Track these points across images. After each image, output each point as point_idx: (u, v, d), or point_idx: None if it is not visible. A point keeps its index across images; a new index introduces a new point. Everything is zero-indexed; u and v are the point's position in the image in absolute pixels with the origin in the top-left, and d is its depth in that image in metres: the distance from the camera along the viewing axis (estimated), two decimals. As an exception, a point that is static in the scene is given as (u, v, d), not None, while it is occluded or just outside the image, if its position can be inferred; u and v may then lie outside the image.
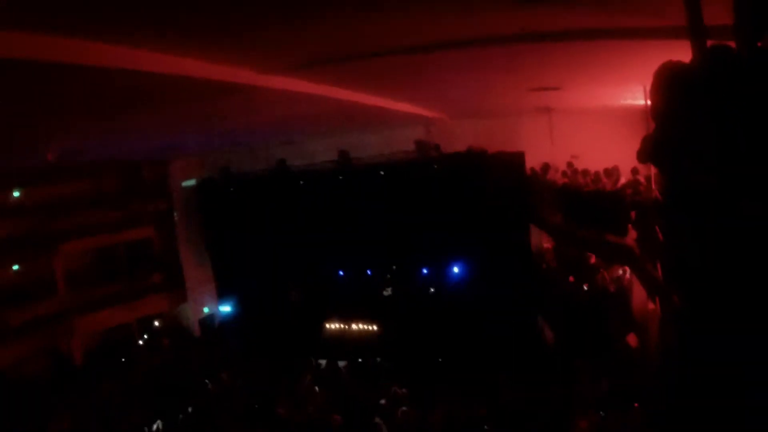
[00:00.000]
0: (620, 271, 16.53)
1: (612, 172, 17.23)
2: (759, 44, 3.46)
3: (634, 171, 16.33)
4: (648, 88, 4.27)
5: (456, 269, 22.77)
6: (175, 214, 26.30)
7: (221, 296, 26.08)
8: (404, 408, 16.64)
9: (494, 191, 20.86)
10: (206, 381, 21.22)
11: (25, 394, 19.74)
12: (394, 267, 23.92)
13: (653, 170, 12.43)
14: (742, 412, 3.52)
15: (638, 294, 14.11)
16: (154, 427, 18.64)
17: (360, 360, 22.10)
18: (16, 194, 22.84)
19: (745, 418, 3.51)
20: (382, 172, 22.73)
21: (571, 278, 18.62)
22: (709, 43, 3.94)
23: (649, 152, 4.27)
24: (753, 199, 3.11)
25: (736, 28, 3.64)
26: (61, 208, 23.56)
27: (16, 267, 23.02)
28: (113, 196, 26.17)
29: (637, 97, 13.38)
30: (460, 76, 11.76)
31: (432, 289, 23.36)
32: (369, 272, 24.20)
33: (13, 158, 15.23)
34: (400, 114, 17.14)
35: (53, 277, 23.27)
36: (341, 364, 22.02)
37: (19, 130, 10.72)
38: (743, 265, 3.39)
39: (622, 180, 16.65)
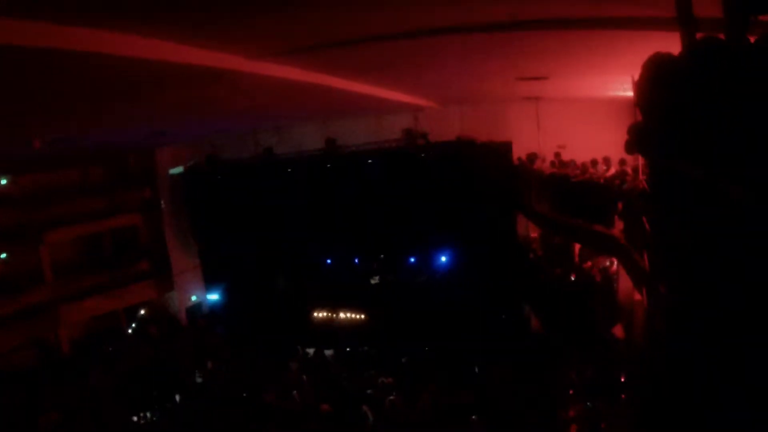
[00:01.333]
0: (606, 262, 16.60)
1: (600, 163, 17.26)
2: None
3: (621, 162, 16.38)
4: (636, 78, 4.28)
5: (443, 258, 22.83)
6: (161, 201, 26.14)
7: (208, 284, 26.07)
8: (391, 397, 16.68)
9: (482, 180, 20.92)
10: (193, 369, 21.19)
11: (12, 384, 19.65)
12: (382, 256, 23.95)
13: (640, 161, 12.48)
14: (727, 399, 3.55)
15: (624, 284, 14.18)
16: (143, 416, 18.60)
17: (347, 349, 22.14)
18: (3, 182, 22.64)
19: (729, 406, 3.54)
20: (369, 161, 22.70)
21: (557, 268, 18.69)
22: (698, 35, 3.95)
23: (636, 142, 4.29)
24: (741, 187, 3.12)
25: (725, 21, 3.64)
26: (48, 196, 23.40)
27: (3, 256, 22.82)
28: (99, 185, 26.00)
29: (625, 88, 13.41)
30: (448, 63, 11.74)
31: (419, 278, 23.41)
32: (356, 261, 24.22)
33: (0, 146, 15.08)
34: (389, 102, 17.09)
35: (40, 266, 23.10)
36: (328, 352, 22.03)
37: (6, 117, 10.62)
38: (729, 253, 3.41)
39: (611, 171, 16.68)
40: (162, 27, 6.83)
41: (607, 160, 17.11)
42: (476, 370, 19.08)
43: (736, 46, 3.41)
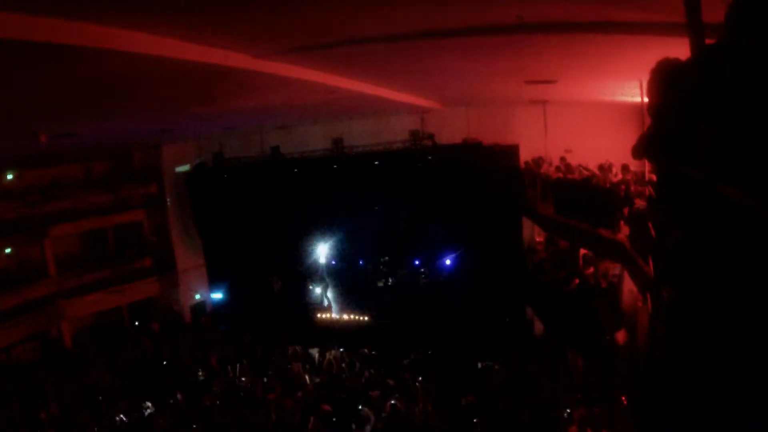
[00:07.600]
0: (611, 267, 16.54)
1: (606, 168, 17.21)
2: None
3: (625, 167, 16.34)
4: (645, 83, 4.25)
5: (448, 260, 22.79)
6: (167, 198, 26.19)
7: (212, 282, 26.07)
8: (393, 401, 16.63)
9: (488, 183, 20.88)
10: (196, 366, 21.19)
11: (14, 378, 19.68)
12: (387, 257, 23.92)
13: (647, 167, 12.44)
14: (730, 405, 3.53)
15: (628, 290, 14.13)
16: (146, 412, 18.58)
17: (350, 350, 22.11)
18: (9, 177, 22.70)
19: (732, 411, 3.52)
20: (375, 162, 22.67)
21: (562, 272, 18.63)
22: (707, 41, 3.91)
23: (643, 148, 4.26)
24: (745, 192, 3.10)
25: (733, 26, 3.61)
26: (53, 191, 23.48)
27: (7, 251, 22.88)
28: (104, 180, 26.09)
29: (633, 93, 13.35)
30: (455, 65, 11.70)
31: (422, 280, 23.38)
32: (361, 262, 24.21)
33: (6, 141, 15.10)
34: (395, 102, 17.07)
35: (44, 261, 23.19)
36: (331, 353, 22.00)
37: (14, 112, 10.64)
38: (734, 259, 3.38)
39: (619, 176, 16.63)
40: (169, 25, 6.83)
41: (611, 166, 17.06)
42: (478, 372, 19.06)
43: (744, 52, 3.39)
